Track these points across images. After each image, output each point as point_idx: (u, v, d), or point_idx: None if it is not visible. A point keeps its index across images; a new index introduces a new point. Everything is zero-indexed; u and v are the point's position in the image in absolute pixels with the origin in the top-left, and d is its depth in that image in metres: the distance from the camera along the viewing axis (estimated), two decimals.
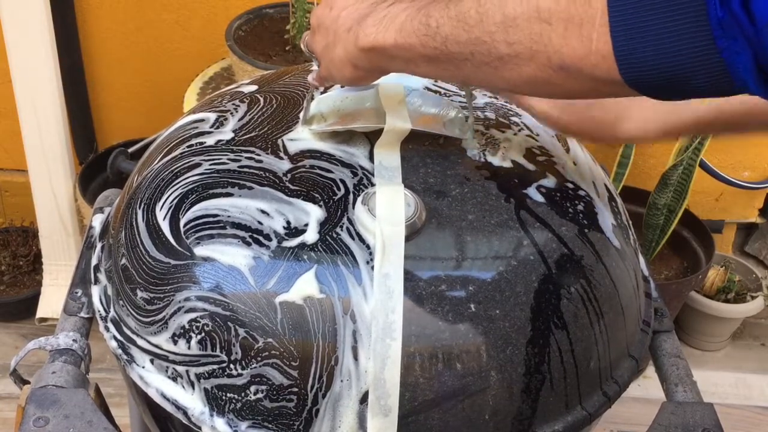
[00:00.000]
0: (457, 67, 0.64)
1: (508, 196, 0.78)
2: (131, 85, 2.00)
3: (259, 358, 0.71)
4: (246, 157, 0.80)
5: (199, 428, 0.75)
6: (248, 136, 0.83)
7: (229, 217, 0.76)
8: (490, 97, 0.92)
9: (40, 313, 1.93)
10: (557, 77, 0.58)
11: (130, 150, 1.73)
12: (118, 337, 0.81)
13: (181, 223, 0.77)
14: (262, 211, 0.75)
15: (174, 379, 0.76)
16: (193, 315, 0.74)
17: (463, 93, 0.89)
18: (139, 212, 0.81)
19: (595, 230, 0.81)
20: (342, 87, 0.85)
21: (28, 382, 0.84)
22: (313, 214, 0.75)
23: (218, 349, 0.73)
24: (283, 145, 0.82)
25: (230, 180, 0.78)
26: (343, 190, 0.77)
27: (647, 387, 1.87)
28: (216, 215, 0.76)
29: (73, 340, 0.84)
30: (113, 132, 2.06)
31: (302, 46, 0.82)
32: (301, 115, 0.85)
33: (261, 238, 0.74)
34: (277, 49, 1.69)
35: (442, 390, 0.71)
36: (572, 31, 0.55)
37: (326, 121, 0.83)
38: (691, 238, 1.99)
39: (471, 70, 0.63)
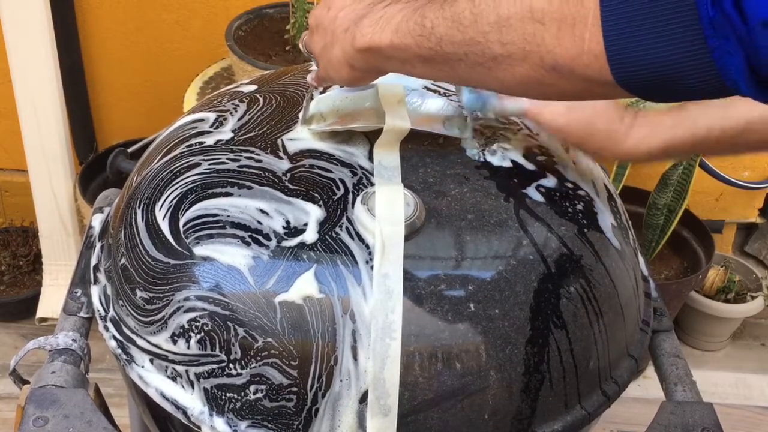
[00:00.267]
0: (452, 67, 0.64)
1: (507, 195, 0.78)
2: (131, 85, 2.00)
3: (258, 358, 0.71)
4: (245, 157, 0.80)
5: (199, 428, 0.75)
6: (248, 135, 0.83)
7: (228, 216, 0.76)
8: None
9: (40, 313, 1.93)
10: (550, 77, 0.58)
11: (129, 150, 1.73)
12: (118, 336, 0.81)
13: (181, 223, 0.77)
14: (262, 211, 0.75)
15: (173, 379, 0.76)
16: (192, 315, 0.74)
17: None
18: (139, 212, 0.81)
19: (595, 230, 0.81)
20: (341, 87, 0.85)
21: (27, 382, 0.84)
22: (312, 213, 0.75)
23: (218, 349, 0.73)
24: (283, 145, 0.82)
25: (230, 180, 0.78)
26: (342, 190, 0.77)
27: (647, 387, 1.87)
28: (215, 215, 0.76)
29: (73, 339, 0.84)
30: (113, 132, 2.06)
31: (301, 47, 0.82)
32: (301, 114, 0.85)
33: (260, 238, 0.74)
34: (277, 49, 1.69)
35: (442, 389, 0.71)
36: (565, 31, 0.56)
37: (326, 121, 0.83)
38: (691, 238, 1.99)
39: (465, 71, 0.64)
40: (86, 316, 0.87)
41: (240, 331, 0.72)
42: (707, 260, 1.91)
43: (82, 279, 0.90)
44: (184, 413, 0.75)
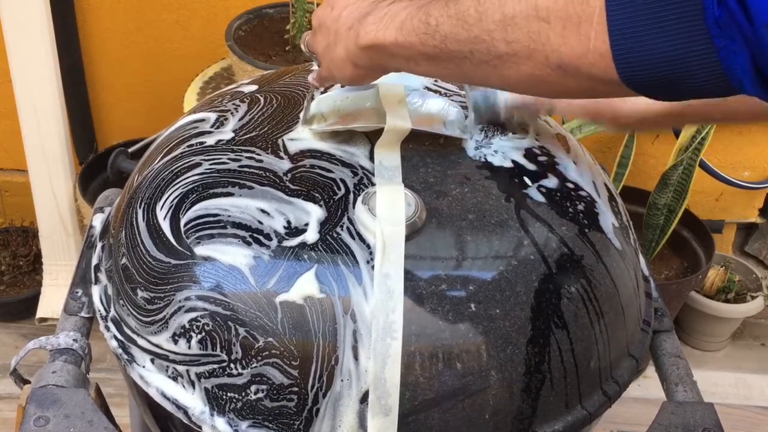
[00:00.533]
0: (457, 65, 0.64)
1: (508, 195, 0.78)
2: (131, 85, 2.00)
3: (259, 358, 0.71)
4: (246, 157, 0.80)
5: (200, 428, 0.75)
6: (248, 135, 0.83)
7: (229, 216, 0.76)
8: None
9: (40, 313, 1.93)
10: (555, 76, 0.58)
11: (130, 150, 1.73)
12: (119, 336, 0.81)
13: (182, 223, 0.77)
14: (263, 211, 0.75)
15: (174, 379, 0.76)
16: (193, 314, 0.74)
17: (463, 93, 0.89)
18: (140, 212, 0.81)
19: (596, 230, 0.81)
20: (342, 86, 0.85)
21: (28, 382, 0.84)
22: (313, 213, 0.75)
23: (218, 349, 0.73)
24: (284, 145, 0.82)
25: (230, 180, 0.78)
26: (343, 190, 0.77)
27: (647, 387, 1.87)
28: (216, 215, 0.76)
29: (74, 339, 0.84)
30: (113, 132, 2.06)
31: (302, 46, 0.82)
32: (302, 114, 0.85)
33: (261, 238, 0.74)
34: (277, 49, 1.69)
35: (443, 389, 0.71)
36: (570, 30, 0.56)
37: (326, 121, 0.83)
38: (691, 238, 1.99)
39: (470, 69, 0.64)
40: (87, 315, 0.87)
41: (241, 331, 0.72)
42: (707, 260, 1.91)
43: (83, 279, 0.90)
44: (185, 413, 0.75)
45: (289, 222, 0.74)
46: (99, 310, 0.84)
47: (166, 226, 0.78)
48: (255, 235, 0.74)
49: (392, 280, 0.71)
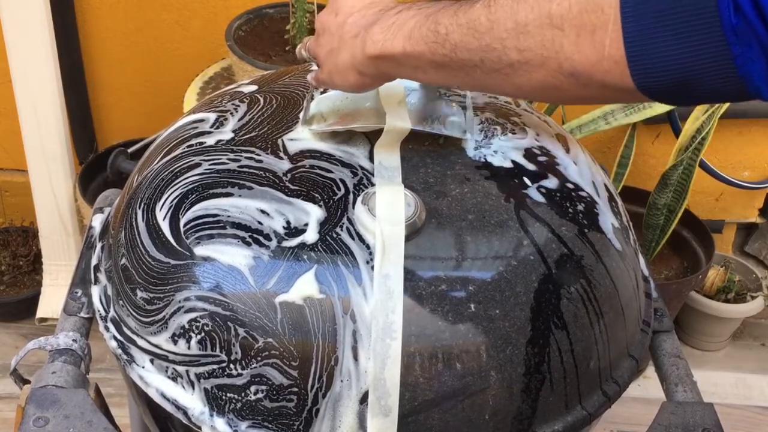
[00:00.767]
0: (467, 74, 0.64)
1: (507, 195, 0.78)
2: (131, 85, 2.00)
3: (259, 358, 0.71)
4: (246, 157, 0.80)
5: (199, 428, 0.75)
6: (248, 136, 0.83)
7: (229, 217, 0.76)
8: (490, 97, 0.92)
9: (40, 313, 1.93)
10: (567, 83, 0.58)
11: (130, 150, 1.73)
12: (118, 337, 0.81)
13: (181, 223, 0.77)
14: (262, 211, 0.75)
15: (174, 379, 0.76)
16: (192, 315, 0.74)
17: (463, 93, 0.89)
18: (139, 212, 0.81)
19: (596, 230, 0.81)
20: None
21: (28, 382, 0.84)
22: (313, 214, 0.75)
23: (218, 349, 0.73)
24: (283, 145, 0.82)
25: (230, 180, 0.78)
26: (343, 190, 0.77)
27: (647, 387, 1.87)
28: (216, 215, 0.76)
29: (73, 340, 0.84)
30: (113, 132, 2.06)
31: (302, 52, 0.82)
32: (301, 115, 0.85)
33: (261, 238, 0.74)
34: (277, 49, 1.69)
35: (442, 390, 0.71)
36: (584, 38, 0.55)
37: (326, 121, 0.83)
38: (691, 238, 1.99)
39: (481, 77, 0.63)
40: (87, 316, 0.87)
41: (240, 331, 0.72)
42: (707, 260, 1.91)
43: (82, 279, 0.90)
44: (185, 413, 0.75)
45: (288, 222, 0.74)
46: (98, 311, 0.84)
47: (165, 226, 0.78)
48: (254, 235, 0.74)
49: (392, 281, 0.71)
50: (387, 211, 0.73)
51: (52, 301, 1.92)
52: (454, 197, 0.77)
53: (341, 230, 0.74)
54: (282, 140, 0.82)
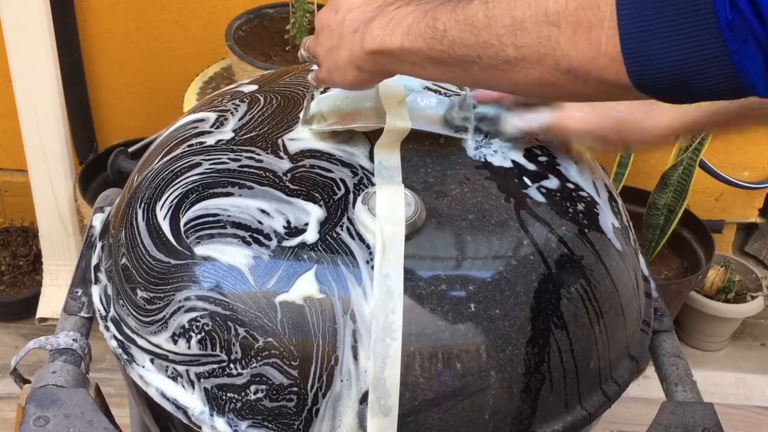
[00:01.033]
0: (465, 69, 0.64)
1: (508, 195, 0.78)
2: (131, 85, 2.00)
3: (259, 358, 0.71)
4: (246, 157, 0.80)
5: (199, 428, 0.75)
6: (248, 135, 0.83)
7: (229, 216, 0.76)
8: None
9: (40, 313, 1.93)
10: (565, 80, 0.58)
11: (130, 150, 1.73)
12: (118, 336, 0.81)
13: (182, 223, 0.77)
14: (262, 211, 0.75)
15: (174, 379, 0.76)
16: (193, 314, 0.74)
17: (463, 92, 0.89)
18: (140, 212, 0.81)
19: (596, 230, 0.81)
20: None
21: (28, 382, 0.84)
22: (313, 213, 0.75)
23: (218, 349, 0.73)
24: (283, 145, 0.82)
25: (230, 179, 0.78)
26: (343, 190, 0.77)
27: (647, 387, 1.87)
28: (216, 215, 0.76)
29: (74, 339, 0.84)
30: (113, 132, 2.06)
31: (302, 51, 0.82)
32: (302, 114, 0.85)
33: (261, 238, 0.74)
34: (277, 49, 1.69)
35: (442, 390, 0.71)
36: (581, 34, 0.56)
37: (326, 121, 0.83)
38: (691, 238, 1.99)
39: (478, 73, 0.63)
40: (87, 315, 0.87)
41: (240, 331, 0.72)
42: (707, 260, 1.91)
43: (82, 279, 0.90)
44: (185, 413, 0.75)
45: (288, 222, 0.74)
46: (99, 310, 0.84)
47: (165, 226, 0.78)
48: (255, 235, 0.74)
49: (392, 280, 0.71)
50: (387, 211, 0.73)
51: (52, 301, 1.92)
52: (454, 197, 0.77)
53: (341, 230, 0.74)
54: (282, 140, 0.82)
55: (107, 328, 0.82)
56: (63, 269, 1.93)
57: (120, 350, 0.80)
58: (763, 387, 1.98)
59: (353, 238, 0.73)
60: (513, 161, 0.82)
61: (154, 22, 1.90)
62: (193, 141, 0.85)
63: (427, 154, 0.82)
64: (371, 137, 0.82)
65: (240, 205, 0.76)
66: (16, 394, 0.85)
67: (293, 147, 0.81)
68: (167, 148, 0.86)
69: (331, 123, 0.82)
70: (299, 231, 0.74)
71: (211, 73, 1.78)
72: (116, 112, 2.05)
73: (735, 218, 2.20)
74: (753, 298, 2.02)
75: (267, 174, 0.78)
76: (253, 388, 0.72)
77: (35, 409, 0.76)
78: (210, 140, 0.84)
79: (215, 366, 0.73)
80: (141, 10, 1.89)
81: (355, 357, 0.70)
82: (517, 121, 0.80)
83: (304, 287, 0.71)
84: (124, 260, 0.81)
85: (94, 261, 0.89)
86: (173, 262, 0.76)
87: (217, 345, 0.73)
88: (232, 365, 0.72)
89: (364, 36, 0.69)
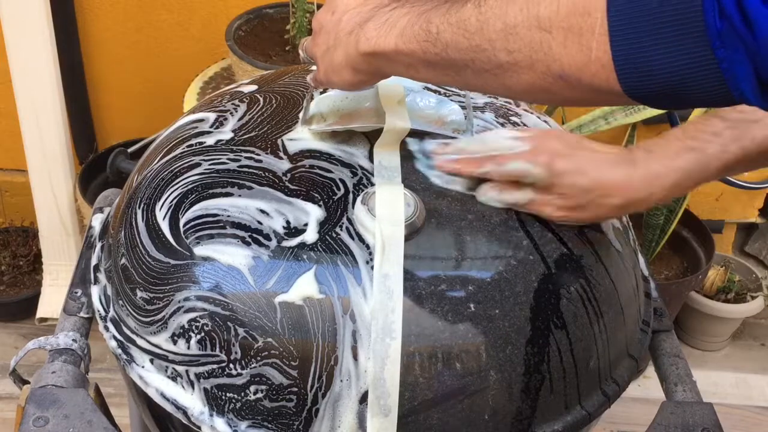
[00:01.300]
0: (458, 72, 0.64)
1: None
2: (131, 85, 2.00)
3: (258, 358, 0.71)
4: (245, 157, 0.80)
5: (199, 428, 0.75)
6: (248, 135, 0.83)
7: (228, 216, 0.76)
8: (490, 97, 0.92)
9: (40, 313, 1.93)
10: (557, 85, 0.58)
11: (130, 150, 1.73)
12: (118, 336, 0.81)
13: (181, 223, 0.77)
14: (262, 211, 0.75)
15: (173, 379, 0.76)
16: (192, 315, 0.74)
17: (463, 93, 0.89)
18: (139, 212, 0.81)
19: (595, 230, 0.81)
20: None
21: (27, 382, 0.84)
22: (312, 213, 0.75)
23: (218, 349, 0.73)
24: (283, 145, 0.82)
25: (230, 180, 0.78)
26: (342, 190, 0.77)
27: (647, 387, 1.87)
28: (216, 215, 0.76)
29: (73, 339, 0.84)
30: (113, 132, 2.06)
31: (300, 52, 0.82)
32: (301, 115, 0.85)
33: (260, 238, 0.74)
34: (277, 49, 1.69)
35: (442, 390, 0.71)
36: (572, 41, 0.56)
37: (326, 121, 0.83)
38: (691, 238, 1.99)
39: (471, 77, 0.63)
40: (86, 316, 0.87)
41: (240, 331, 0.72)
42: (707, 260, 1.91)
43: (82, 279, 0.90)
44: (185, 413, 0.75)
45: (288, 222, 0.74)
46: (98, 311, 0.84)
47: (165, 226, 0.78)
48: (254, 235, 0.74)
49: (391, 281, 0.71)
50: (387, 211, 0.73)
51: (52, 301, 1.92)
52: (453, 197, 0.77)
53: (341, 230, 0.74)
54: (282, 140, 0.82)
55: (107, 329, 0.82)
56: (63, 269, 1.93)
57: (119, 350, 0.80)
58: (763, 387, 1.98)
59: (353, 239, 0.73)
60: None
61: (154, 22, 1.90)
62: (193, 141, 0.85)
63: None
64: (371, 137, 0.82)
65: (239, 206, 0.76)
66: (16, 394, 0.85)
67: (293, 147, 0.81)
68: (167, 149, 0.86)
69: (331, 123, 0.82)
70: (299, 231, 0.74)
71: (211, 73, 1.78)
72: (116, 112, 2.05)
73: (735, 218, 2.20)
74: (753, 298, 2.02)
75: (266, 174, 0.78)
76: (252, 388, 0.72)
77: (35, 409, 0.76)
78: (209, 140, 0.84)
79: (215, 366, 0.73)
80: (141, 10, 1.89)
81: (355, 357, 0.70)
82: (494, 194, 0.77)
83: (304, 287, 0.71)
84: (123, 260, 0.81)
85: (93, 261, 0.89)
86: (173, 262, 0.76)
87: (217, 345, 0.73)
88: (231, 365, 0.72)
89: (359, 38, 0.69)
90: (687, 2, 0.51)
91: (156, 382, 0.77)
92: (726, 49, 0.50)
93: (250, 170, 0.79)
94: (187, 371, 0.75)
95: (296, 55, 1.67)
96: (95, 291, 0.86)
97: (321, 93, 0.86)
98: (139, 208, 0.81)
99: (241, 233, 0.74)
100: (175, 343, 0.75)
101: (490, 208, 0.77)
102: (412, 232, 0.73)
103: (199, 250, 0.75)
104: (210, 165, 0.80)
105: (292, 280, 0.72)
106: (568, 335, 0.75)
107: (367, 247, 0.73)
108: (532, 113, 0.93)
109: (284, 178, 0.78)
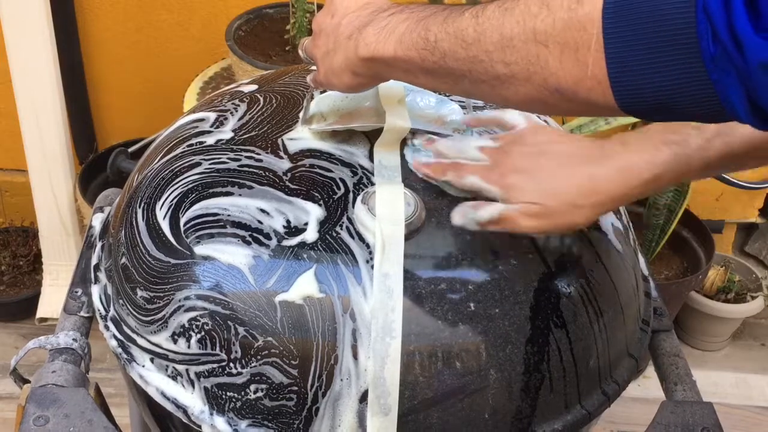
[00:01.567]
0: (456, 81, 0.64)
1: None
2: (131, 85, 2.00)
3: (258, 357, 0.71)
4: (246, 157, 0.80)
5: (199, 427, 0.75)
6: (248, 135, 0.83)
7: (229, 216, 0.76)
8: None
9: (40, 313, 1.93)
10: (553, 98, 0.59)
11: (130, 150, 1.73)
12: (118, 336, 0.81)
13: (181, 222, 0.77)
14: (262, 210, 0.75)
15: (174, 378, 0.76)
16: (192, 314, 0.74)
17: None
18: (140, 211, 0.81)
19: (595, 230, 0.81)
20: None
21: (28, 382, 0.84)
22: (312, 213, 0.75)
23: (218, 348, 0.73)
24: (283, 145, 0.82)
25: (230, 179, 0.78)
26: (342, 189, 0.77)
27: (647, 387, 1.87)
28: (216, 214, 0.76)
29: (73, 339, 0.84)
30: (113, 132, 2.06)
31: (299, 52, 0.82)
32: (301, 114, 0.85)
33: (261, 237, 0.74)
34: (277, 49, 1.69)
35: (442, 389, 0.71)
36: (568, 55, 0.56)
37: (326, 121, 0.83)
38: (691, 238, 1.99)
39: (469, 86, 0.64)
40: (87, 315, 0.87)
41: (240, 330, 0.72)
42: (707, 260, 1.91)
43: (82, 278, 0.90)
44: (185, 412, 0.75)
45: (288, 221, 0.74)
46: (98, 310, 0.84)
47: (165, 225, 0.78)
48: (254, 234, 0.74)
49: (391, 280, 0.71)
50: (387, 211, 0.73)
51: (52, 301, 1.92)
52: (453, 196, 0.77)
53: (341, 229, 0.74)
54: (282, 139, 0.82)
55: (107, 328, 0.82)
56: (63, 269, 1.93)
57: (120, 350, 0.80)
58: (763, 387, 1.98)
59: (353, 238, 0.73)
60: None
61: (154, 22, 1.90)
62: (193, 141, 0.85)
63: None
64: (371, 137, 0.82)
65: (240, 205, 0.76)
66: (17, 394, 0.85)
67: (293, 146, 0.81)
68: (167, 148, 0.86)
69: (331, 122, 0.82)
70: (299, 230, 0.74)
71: (211, 73, 1.78)
72: (116, 112, 2.05)
73: (735, 218, 2.20)
74: (753, 298, 2.02)
75: (267, 173, 0.78)
76: (252, 387, 0.72)
77: (35, 408, 0.76)
78: (210, 140, 0.84)
79: (215, 365, 0.73)
80: (141, 10, 1.89)
81: (355, 356, 0.70)
82: (466, 211, 0.74)
83: (304, 286, 0.71)
84: (123, 260, 0.81)
85: (93, 261, 0.89)
86: (173, 261, 0.76)
87: (217, 344, 0.73)
88: (231, 364, 0.72)
89: (358, 42, 0.69)
90: (682, 27, 0.51)
91: (156, 381, 0.77)
92: (719, 72, 0.51)
93: (251, 170, 0.79)
94: (187, 370, 0.75)
95: (296, 55, 1.66)
96: (95, 290, 0.86)
97: (321, 92, 0.86)
98: (139, 207, 0.81)
99: (242, 232, 0.74)
100: (175, 342, 0.75)
101: None
102: (412, 232, 0.73)
103: (200, 250, 0.75)
104: (210, 164, 0.80)
105: (293, 279, 0.72)
106: (568, 334, 0.75)
107: (367, 246, 0.73)
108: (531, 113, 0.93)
109: (284, 177, 0.78)
